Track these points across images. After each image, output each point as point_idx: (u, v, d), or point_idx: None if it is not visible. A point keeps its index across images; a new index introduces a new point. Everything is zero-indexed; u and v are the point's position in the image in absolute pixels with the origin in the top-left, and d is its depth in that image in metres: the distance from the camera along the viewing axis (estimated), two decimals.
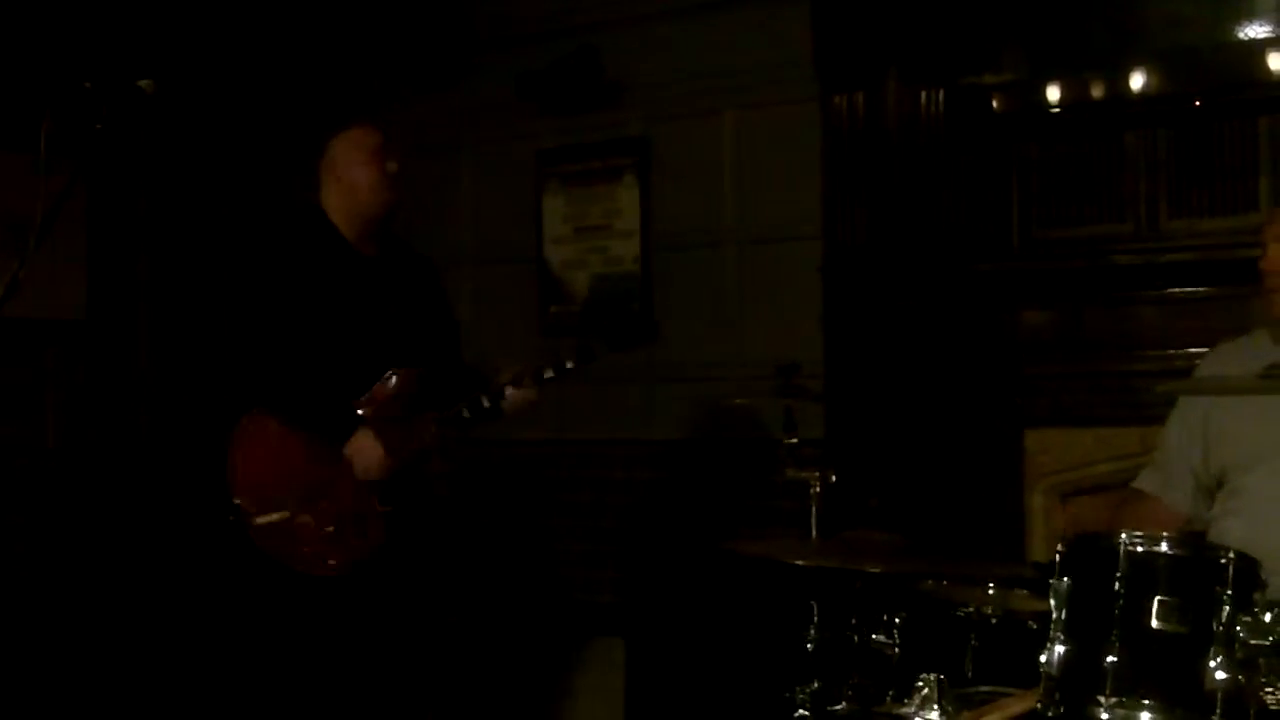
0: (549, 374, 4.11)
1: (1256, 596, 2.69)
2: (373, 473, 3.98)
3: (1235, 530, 3.42)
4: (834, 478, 3.84)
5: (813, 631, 3.54)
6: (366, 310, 4.06)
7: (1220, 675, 2.60)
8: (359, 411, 4.00)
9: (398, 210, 4.20)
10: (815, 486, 3.83)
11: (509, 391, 4.07)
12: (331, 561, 3.96)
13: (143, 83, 3.04)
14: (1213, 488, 3.55)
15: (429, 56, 6.48)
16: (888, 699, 3.28)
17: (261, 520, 3.97)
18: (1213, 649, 2.62)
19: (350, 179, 4.11)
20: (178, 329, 6.20)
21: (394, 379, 4.03)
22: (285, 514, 3.95)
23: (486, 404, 4.07)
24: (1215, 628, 2.63)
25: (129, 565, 5.72)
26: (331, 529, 3.95)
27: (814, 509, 3.83)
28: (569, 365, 4.13)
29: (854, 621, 3.48)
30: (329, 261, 4.09)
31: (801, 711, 3.42)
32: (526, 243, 6.47)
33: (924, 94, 5.38)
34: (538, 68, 6.29)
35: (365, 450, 3.98)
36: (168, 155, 6.14)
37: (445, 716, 4.80)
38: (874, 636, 3.42)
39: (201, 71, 5.98)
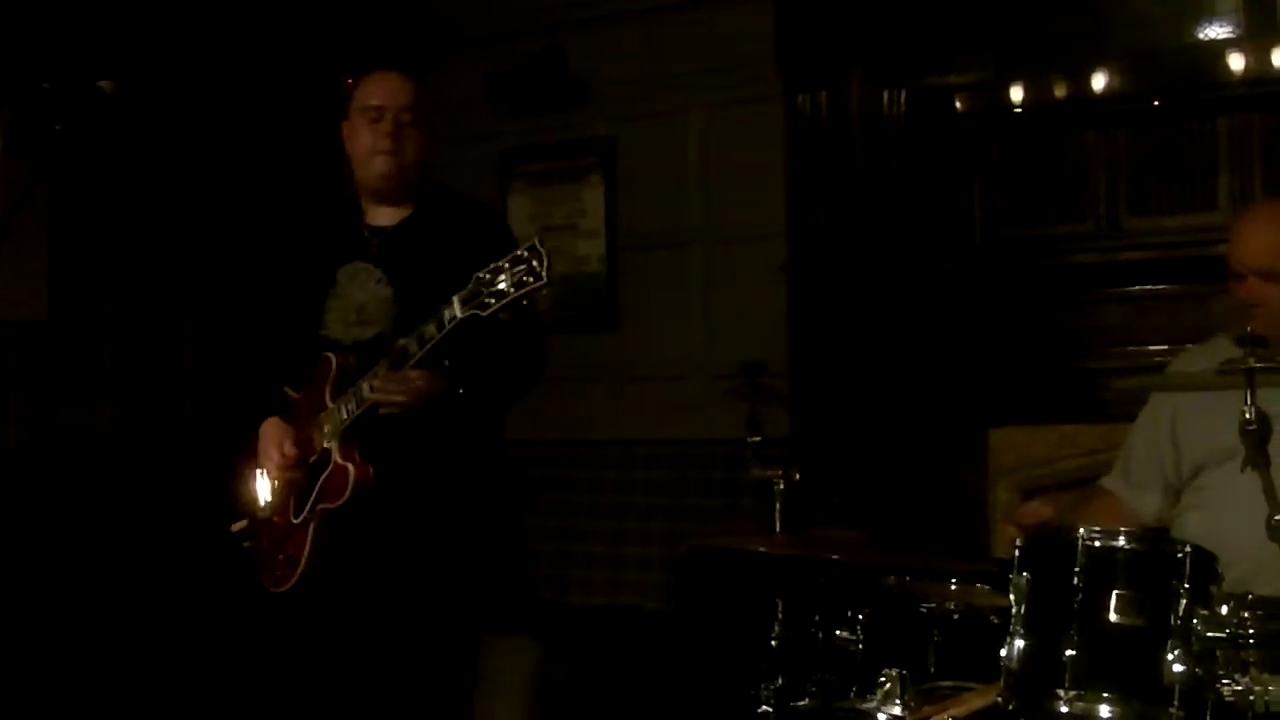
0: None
1: (1213, 590, 2.71)
2: (269, 471, 3.52)
3: (1195, 524, 3.45)
4: (798, 476, 3.86)
5: (777, 628, 3.55)
6: (352, 290, 3.52)
7: (1178, 668, 2.61)
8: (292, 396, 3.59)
9: (409, 174, 3.56)
10: (780, 484, 3.85)
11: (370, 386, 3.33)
12: (272, 575, 3.54)
13: (102, 83, 3.03)
14: (1180, 488, 3.57)
15: (393, 55, 6.46)
16: (851, 694, 3.29)
17: (235, 526, 3.65)
18: (1170, 642, 2.63)
19: (350, 148, 3.61)
20: (141, 328, 6.17)
21: (326, 364, 3.50)
22: (244, 523, 3.61)
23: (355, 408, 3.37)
24: (1173, 621, 2.64)
25: (95, 566, 5.69)
26: (276, 539, 3.53)
27: (778, 507, 3.84)
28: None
29: (817, 618, 3.49)
30: (334, 239, 3.62)
31: (765, 708, 3.43)
32: None
33: (887, 94, 5.41)
34: (503, 68, 6.30)
35: (266, 435, 3.55)
36: (129, 155, 6.10)
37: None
38: (837, 633, 3.43)
39: (163, 70, 5.95)
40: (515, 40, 6.31)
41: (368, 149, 3.54)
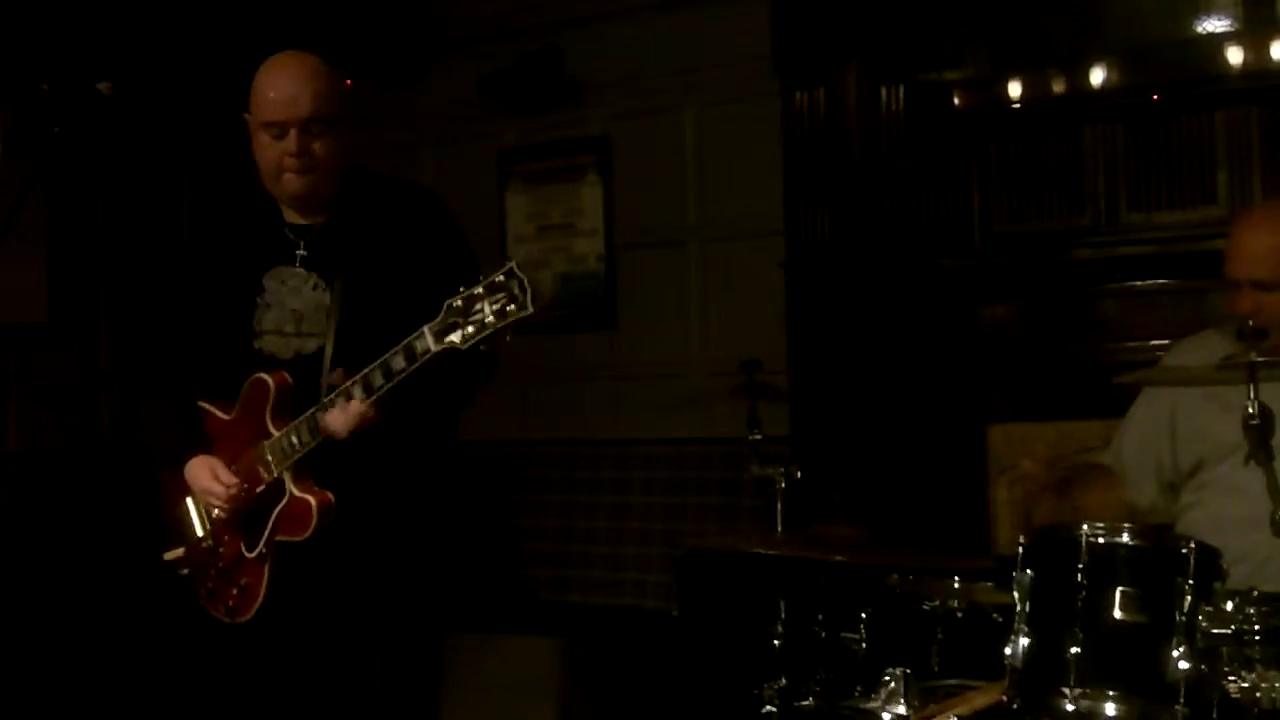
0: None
1: (1217, 586, 2.71)
2: (209, 502, 3.25)
3: (1199, 519, 3.45)
4: (799, 474, 3.85)
5: (779, 628, 3.55)
6: (285, 296, 3.21)
7: (1183, 665, 2.62)
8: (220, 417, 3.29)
9: (327, 186, 3.16)
10: (780, 483, 3.84)
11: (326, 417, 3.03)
12: (223, 606, 3.28)
13: (101, 85, 3.02)
14: (1178, 483, 3.56)
15: (391, 55, 6.47)
16: (855, 694, 3.30)
17: (169, 555, 3.36)
18: (1175, 639, 2.64)
19: (256, 157, 3.18)
20: (139, 331, 6.16)
21: (253, 384, 3.19)
22: (180, 551, 3.34)
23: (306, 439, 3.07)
24: (1177, 618, 2.65)
25: (92, 569, 5.68)
26: (225, 569, 3.27)
27: (779, 505, 3.83)
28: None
29: (820, 617, 3.49)
30: (255, 241, 3.26)
31: (769, 707, 3.44)
32: (490, 242, 6.46)
33: (885, 90, 5.40)
34: (499, 67, 6.29)
35: (196, 472, 3.25)
36: (127, 156, 6.10)
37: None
38: (841, 632, 3.43)
39: (161, 72, 5.95)
40: (512, 39, 6.30)
41: (272, 167, 3.13)
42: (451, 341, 2.76)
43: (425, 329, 2.80)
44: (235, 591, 3.23)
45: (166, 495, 3.36)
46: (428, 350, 2.80)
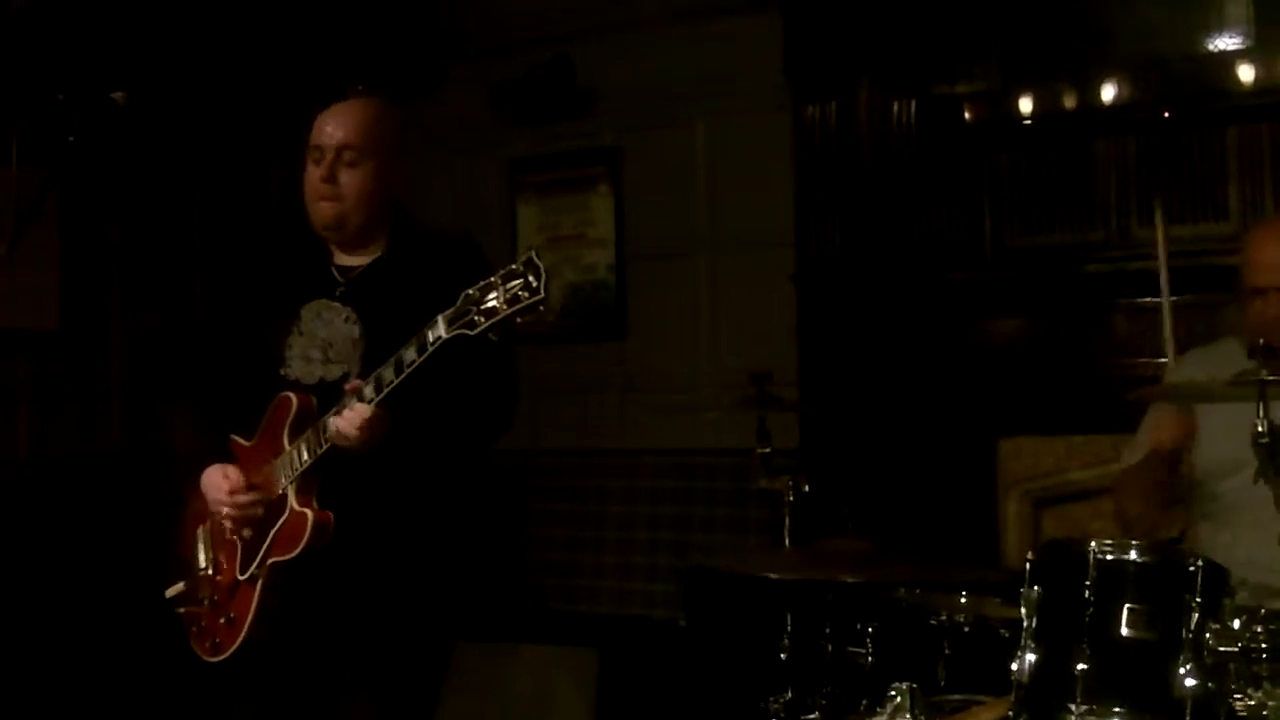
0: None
1: (1225, 603, 2.70)
2: (217, 517, 3.23)
3: (1207, 535, 3.45)
4: (807, 486, 3.85)
5: (786, 641, 3.55)
6: (317, 327, 3.23)
7: (1190, 682, 2.61)
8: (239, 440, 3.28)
9: (354, 219, 3.23)
10: (789, 495, 3.84)
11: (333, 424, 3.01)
12: (209, 642, 3.23)
13: (115, 94, 3.03)
14: (1184, 495, 3.56)
15: (402, 66, 6.48)
16: (861, 708, 3.30)
17: (170, 592, 3.32)
18: (1182, 656, 2.63)
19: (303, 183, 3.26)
20: (150, 339, 6.18)
21: (278, 404, 3.19)
22: (180, 586, 3.30)
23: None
24: (1184, 635, 2.64)
25: (101, 576, 5.69)
26: (218, 600, 3.22)
27: (787, 518, 3.83)
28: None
29: (827, 631, 3.49)
30: (300, 275, 3.29)
31: None
32: (500, 251, 6.45)
33: (896, 104, 5.41)
34: (511, 78, 6.30)
35: (208, 483, 3.24)
36: (141, 166, 6.11)
37: None
38: (847, 646, 3.43)
39: (174, 82, 5.96)
40: (523, 50, 6.31)
41: (309, 193, 3.22)
42: (461, 328, 2.77)
43: (439, 317, 2.81)
44: (222, 623, 3.18)
45: (181, 522, 3.34)
46: (439, 338, 2.80)
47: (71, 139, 2.98)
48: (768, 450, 4.23)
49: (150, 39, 5.90)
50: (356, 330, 3.17)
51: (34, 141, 2.94)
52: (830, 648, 3.47)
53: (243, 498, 3.15)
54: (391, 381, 2.89)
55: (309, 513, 3.05)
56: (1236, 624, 2.66)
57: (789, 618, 3.53)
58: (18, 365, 5.83)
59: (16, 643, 5.35)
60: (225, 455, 3.27)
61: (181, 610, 3.30)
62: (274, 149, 6.32)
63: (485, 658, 5.44)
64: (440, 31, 6.57)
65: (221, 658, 3.18)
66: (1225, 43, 4.97)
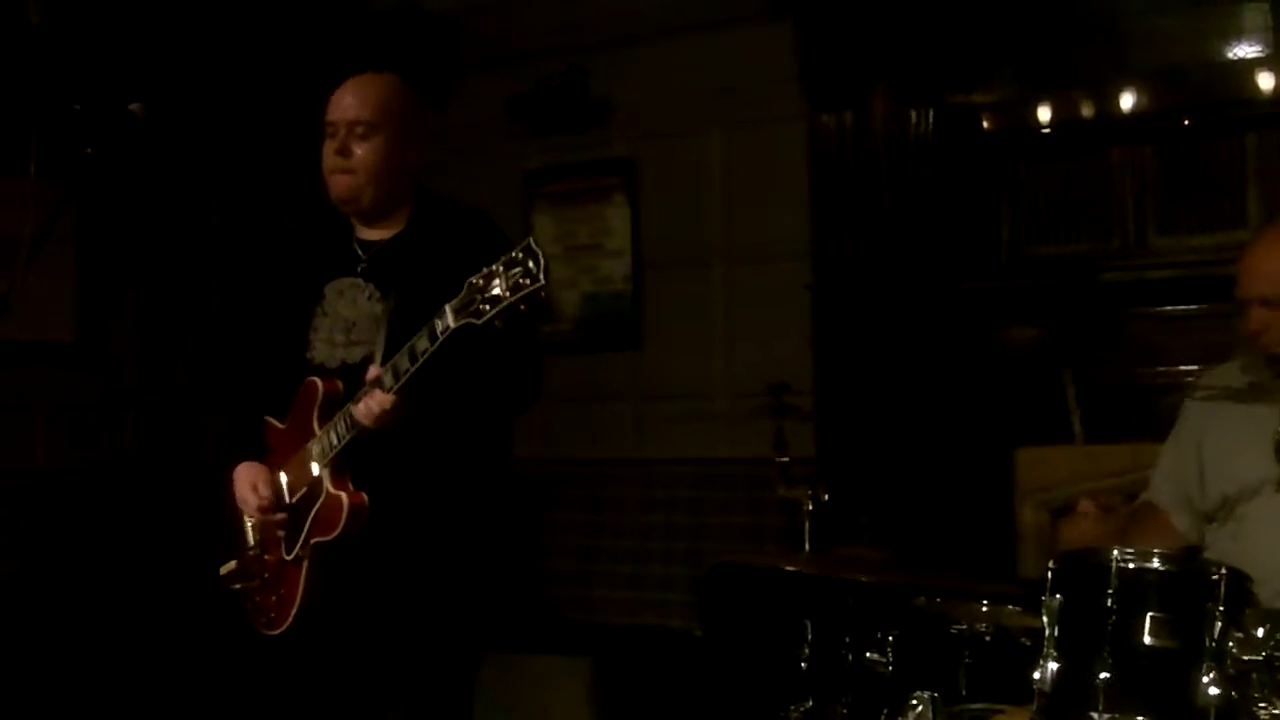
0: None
1: (1248, 612, 2.69)
2: (250, 514, 3.34)
3: (1229, 544, 3.42)
4: (825, 495, 3.83)
5: (806, 650, 3.54)
6: (340, 306, 3.30)
7: (1212, 691, 2.60)
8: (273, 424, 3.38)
9: (368, 193, 3.27)
10: (807, 504, 3.82)
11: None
12: (265, 617, 3.34)
13: (133, 106, 3.04)
14: (1209, 513, 3.54)
15: (417, 77, 6.48)
16: (881, 717, 3.28)
17: (224, 570, 3.42)
18: (1204, 665, 2.62)
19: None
20: (167, 350, 6.19)
21: (305, 389, 3.28)
22: (233, 565, 3.40)
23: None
24: (1207, 643, 2.63)
25: (118, 587, 5.70)
26: (269, 579, 3.32)
27: (806, 526, 3.82)
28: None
29: (847, 639, 3.48)
30: (323, 254, 3.38)
31: None
32: None
33: (913, 113, 5.40)
34: (525, 89, 6.31)
35: (239, 479, 3.36)
36: (157, 178, 6.13)
37: None
38: (867, 654, 3.42)
39: (190, 94, 5.98)
40: (538, 61, 6.32)
41: (325, 168, 3.29)
42: (468, 317, 2.82)
43: (446, 306, 2.86)
44: (275, 600, 3.29)
45: (227, 505, 3.42)
46: (448, 328, 2.85)
47: (89, 150, 2.99)
48: (786, 459, 4.23)
49: (168, 51, 5.93)
50: (379, 308, 3.23)
51: (51, 153, 2.94)
52: (850, 656, 3.45)
53: (264, 494, 3.27)
54: (408, 370, 2.96)
55: (344, 495, 3.14)
56: (1260, 633, 2.65)
57: (809, 625, 3.52)
58: (34, 377, 5.85)
59: (35, 651, 5.36)
60: (259, 447, 3.38)
61: (237, 586, 3.40)
62: (291, 159, 6.35)
63: (499, 668, 5.42)
64: (455, 43, 6.58)
65: (278, 631, 3.29)
66: (1244, 51, 4.97)
